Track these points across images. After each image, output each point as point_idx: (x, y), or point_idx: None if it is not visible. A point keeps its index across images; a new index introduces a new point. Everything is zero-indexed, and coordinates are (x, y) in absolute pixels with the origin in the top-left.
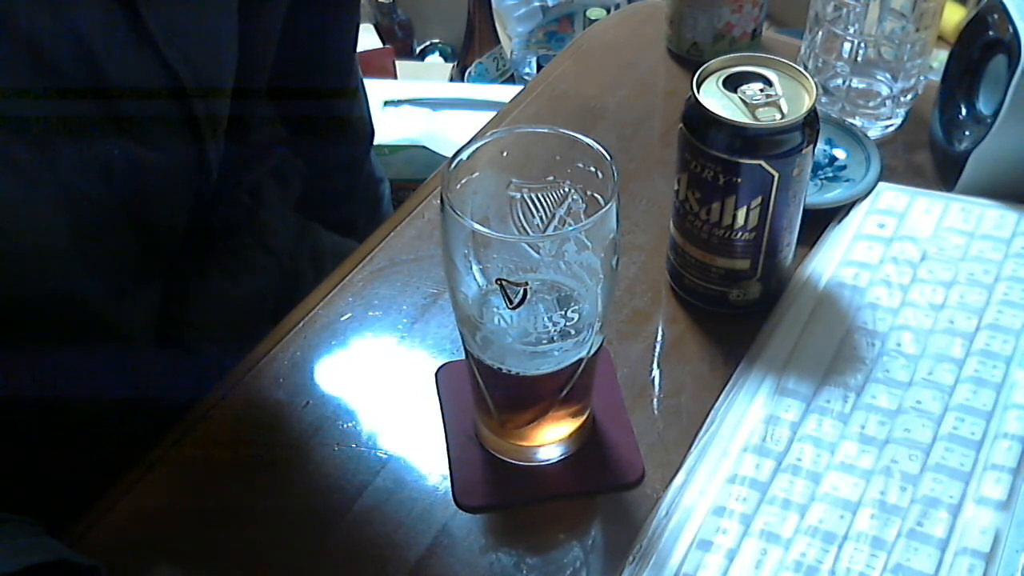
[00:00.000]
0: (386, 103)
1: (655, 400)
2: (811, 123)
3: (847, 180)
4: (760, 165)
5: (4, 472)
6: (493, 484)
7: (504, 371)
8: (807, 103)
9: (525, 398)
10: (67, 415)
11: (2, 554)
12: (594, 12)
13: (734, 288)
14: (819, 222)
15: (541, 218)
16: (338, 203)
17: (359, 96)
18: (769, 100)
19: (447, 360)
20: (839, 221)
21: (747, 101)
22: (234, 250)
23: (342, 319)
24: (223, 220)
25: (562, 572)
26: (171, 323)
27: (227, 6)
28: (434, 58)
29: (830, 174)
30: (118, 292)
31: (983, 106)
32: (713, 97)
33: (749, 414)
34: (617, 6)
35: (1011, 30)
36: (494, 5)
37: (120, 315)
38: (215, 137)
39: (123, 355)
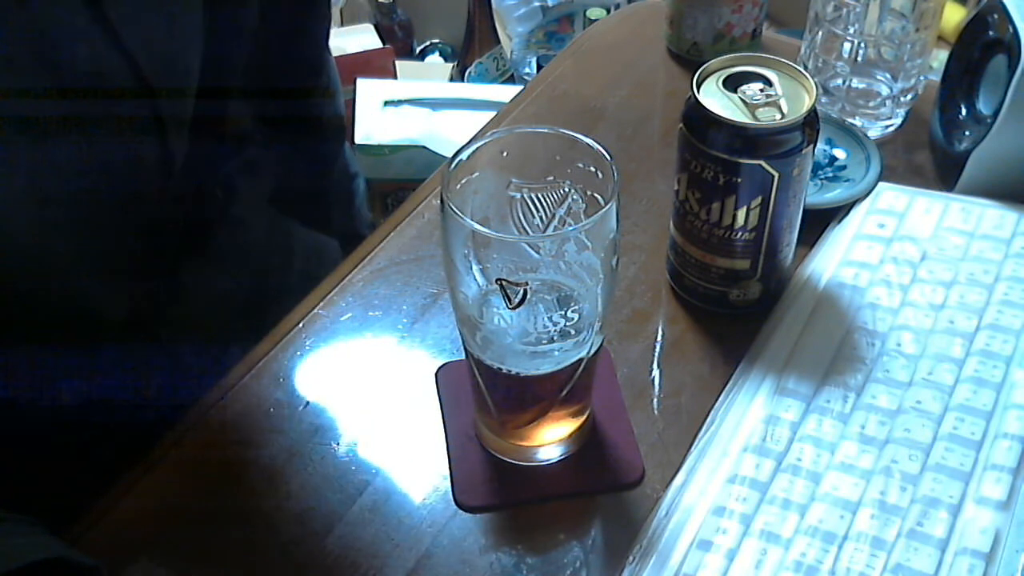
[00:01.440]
0: (386, 103)
1: (655, 400)
2: (811, 123)
3: (847, 180)
4: (760, 165)
5: (3, 471)
6: (493, 484)
7: (504, 371)
8: (807, 103)
9: (525, 398)
10: (38, 415)
11: (2, 552)
12: (594, 12)
13: (734, 288)
14: (819, 222)
15: (541, 218)
16: (312, 199)
17: (332, 94)
18: (769, 100)
19: (447, 360)
20: (839, 221)
21: (747, 101)
22: (206, 246)
23: (342, 319)
24: (195, 216)
25: (562, 572)
26: (145, 320)
27: (193, 6)
28: (434, 58)
29: (830, 174)
30: (86, 290)
31: (983, 106)
32: (713, 97)
33: (749, 414)
34: (617, 6)
35: (1011, 30)
36: (494, 5)
37: (89, 314)
38: (179, 136)
39: (94, 353)
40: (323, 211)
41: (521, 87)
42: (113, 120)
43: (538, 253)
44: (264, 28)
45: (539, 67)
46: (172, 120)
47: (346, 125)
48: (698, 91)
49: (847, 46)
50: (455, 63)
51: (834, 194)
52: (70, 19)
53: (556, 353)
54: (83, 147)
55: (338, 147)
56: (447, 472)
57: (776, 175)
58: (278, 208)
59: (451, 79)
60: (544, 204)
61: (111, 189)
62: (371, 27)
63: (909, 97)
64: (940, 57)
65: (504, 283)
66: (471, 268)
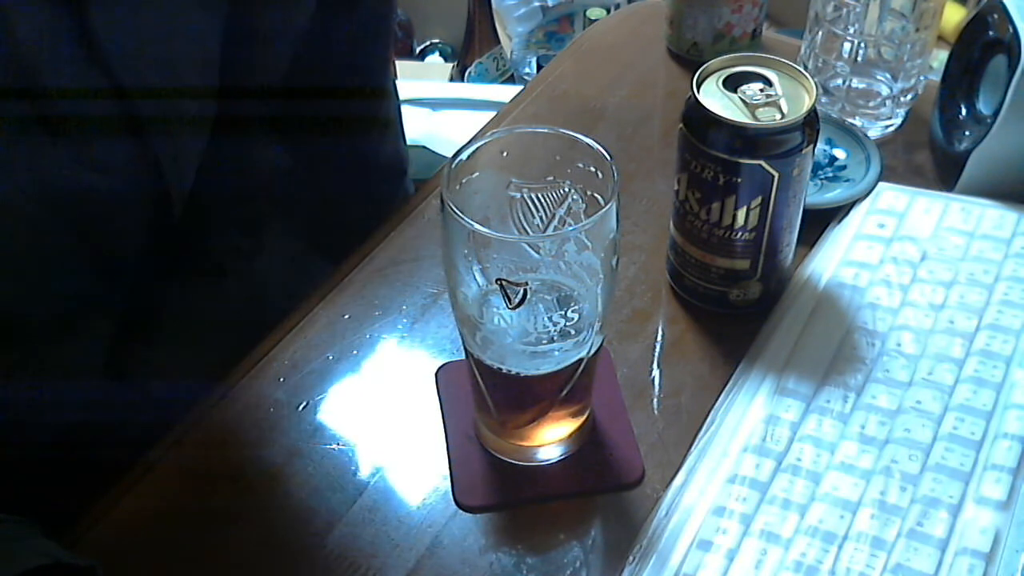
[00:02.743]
0: None
1: (655, 400)
2: (811, 123)
3: (847, 180)
4: (760, 165)
5: (2, 471)
6: (493, 484)
7: (504, 371)
8: (807, 103)
9: (525, 398)
10: (35, 415)
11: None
12: (594, 12)
13: (734, 288)
14: (819, 222)
15: (541, 218)
16: (366, 232)
17: (393, 106)
18: (769, 100)
19: (447, 360)
20: (839, 221)
21: (747, 101)
22: (236, 270)
23: (342, 319)
24: (226, 236)
25: (562, 572)
26: (144, 322)
27: (201, 3)
28: (434, 58)
29: (830, 174)
30: (81, 291)
31: (983, 106)
32: (713, 97)
33: (749, 414)
34: (617, 6)
35: (1011, 30)
36: (494, 5)
37: (83, 313)
38: (172, 137)
39: (90, 354)
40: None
41: (521, 87)
42: (89, 120)
43: (538, 253)
44: (323, 28)
45: (539, 67)
46: (155, 123)
47: (406, 168)
48: (698, 91)
49: (847, 46)
50: (455, 63)
51: (834, 194)
52: (43, 18)
53: (556, 353)
54: (64, 146)
55: (394, 187)
56: (447, 472)
57: (776, 175)
58: (319, 251)
59: (451, 79)
60: (544, 204)
61: (99, 188)
62: None
63: (909, 97)
64: (940, 57)
65: (504, 283)
66: (471, 268)
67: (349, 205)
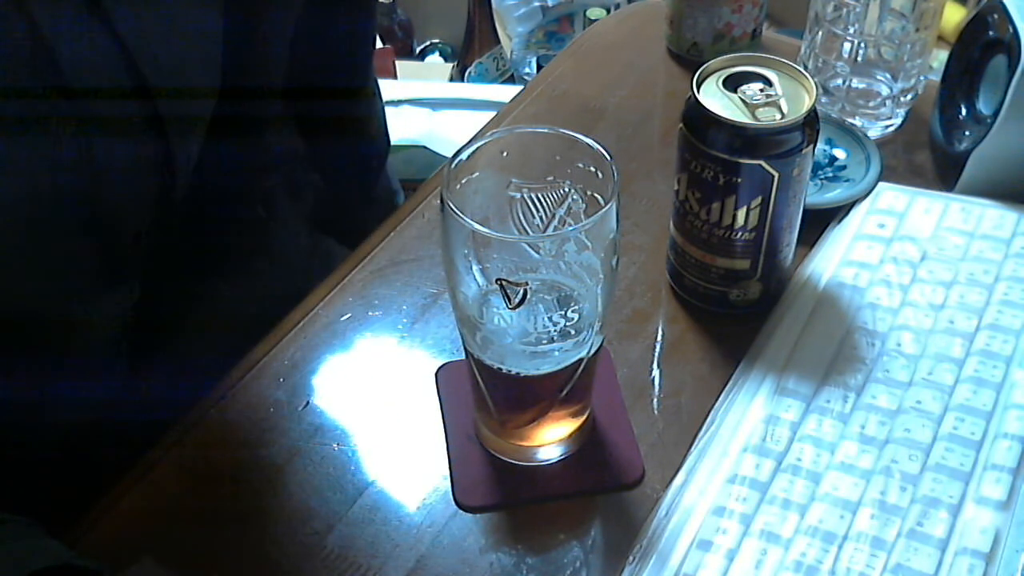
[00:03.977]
0: (386, 103)
1: (655, 400)
2: (811, 123)
3: (847, 180)
4: (760, 165)
5: (3, 471)
6: (493, 484)
7: (504, 371)
8: (807, 103)
9: (525, 398)
10: (36, 416)
11: (6, 561)
12: (594, 12)
13: (734, 288)
14: (819, 222)
15: (541, 218)
16: (352, 215)
17: (375, 105)
18: (769, 100)
19: (447, 360)
20: (839, 221)
21: (747, 101)
22: (245, 265)
23: (342, 319)
24: (234, 233)
25: (562, 572)
26: (150, 323)
27: (207, 3)
28: (434, 58)
29: (830, 174)
30: (84, 290)
31: (983, 106)
32: (713, 97)
33: (749, 414)
34: (617, 6)
35: (1011, 30)
36: (494, 5)
37: (88, 312)
38: (186, 137)
39: (93, 354)
40: (364, 227)
41: (521, 87)
42: (110, 119)
43: (538, 253)
44: (308, 30)
45: (539, 67)
46: (175, 123)
47: (389, 141)
48: (698, 91)
49: (847, 46)
50: (455, 63)
51: (834, 194)
52: (69, 19)
53: (556, 353)
54: (79, 146)
55: (380, 162)
56: (447, 472)
57: (776, 175)
58: (319, 226)
59: (451, 79)
60: (544, 204)
61: (101, 190)
62: None
63: (909, 97)
64: (940, 57)
65: (504, 283)
66: (471, 268)
67: (343, 198)
